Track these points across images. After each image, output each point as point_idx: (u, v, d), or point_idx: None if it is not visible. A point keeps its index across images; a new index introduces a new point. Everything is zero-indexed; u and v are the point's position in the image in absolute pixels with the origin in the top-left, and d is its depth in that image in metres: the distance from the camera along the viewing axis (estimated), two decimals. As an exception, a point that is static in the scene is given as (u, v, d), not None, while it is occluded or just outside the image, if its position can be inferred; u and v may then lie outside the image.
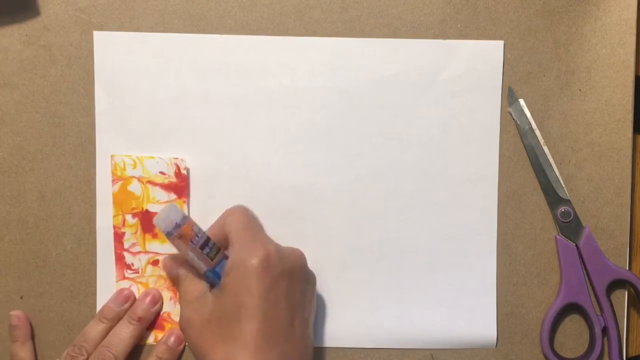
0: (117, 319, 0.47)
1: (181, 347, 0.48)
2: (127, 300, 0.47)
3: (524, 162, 0.48)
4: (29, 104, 0.48)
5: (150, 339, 0.48)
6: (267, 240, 0.43)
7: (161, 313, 0.48)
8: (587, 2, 0.48)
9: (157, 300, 0.48)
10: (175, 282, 0.47)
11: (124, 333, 0.46)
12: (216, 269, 0.43)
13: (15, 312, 0.48)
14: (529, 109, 0.48)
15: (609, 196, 0.48)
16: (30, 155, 0.48)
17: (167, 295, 0.48)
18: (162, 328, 0.48)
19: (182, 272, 0.45)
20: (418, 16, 0.48)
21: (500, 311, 0.48)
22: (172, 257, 0.47)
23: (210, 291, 0.43)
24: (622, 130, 0.48)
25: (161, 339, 0.48)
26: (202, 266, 0.43)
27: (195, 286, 0.44)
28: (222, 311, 0.41)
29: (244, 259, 0.41)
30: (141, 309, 0.47)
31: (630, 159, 0.48)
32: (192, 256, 0.43)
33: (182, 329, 0.43)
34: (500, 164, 0.48)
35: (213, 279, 0.43)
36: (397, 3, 0.48)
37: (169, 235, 0.42)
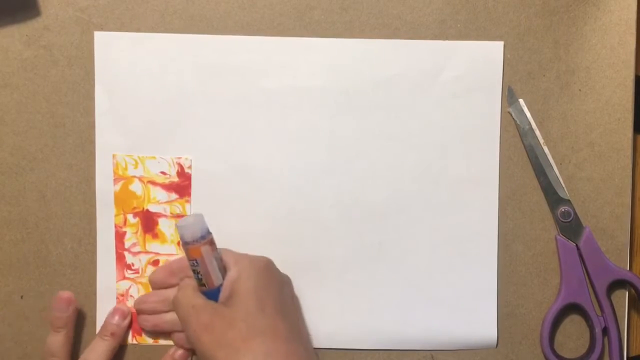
0: (70, 324, 0.46)
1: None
2: (69, 303, 0.46)
3: (524, 162, 0.48)
4: (30, 104, 0.48)
5: (150, 341, 0.48)
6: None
7: None
8: (587, 2, 0.48)
9: (127, 314, 0.48)
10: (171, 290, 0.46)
11: (100, 347, 0.46)
12: (219, 289, 0.42)
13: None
14: (529, 109, 0.48)
15: (609, 196, 0.48)
16: (31, 155, 0.48)
17: None
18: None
19: (190, 281, 0.44)
20: (418, 16, 0.48)
21: (501, 311, 0.48)
22: (174, 266, 0.46)
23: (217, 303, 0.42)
24: (622, 130, 0.48)
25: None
26: (216, 279, 0.42)
27: (201, 297, 0.42)
28: (235, 315, 0.40)
29: (251, 266, 0.42)
30: (111, 325, 0.47)
31: (630, 159, 0.48)
32: (209, 268, 0.42)
33: (196, 336, 0.40)
34: (500, 164, 0.48)
35: (211, 297, 0.42)
36: (397, 3, 0.48)
37: (192, 243, 0.41)
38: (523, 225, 0.48)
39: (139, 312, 0.47)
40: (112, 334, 0.47)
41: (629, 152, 0.48)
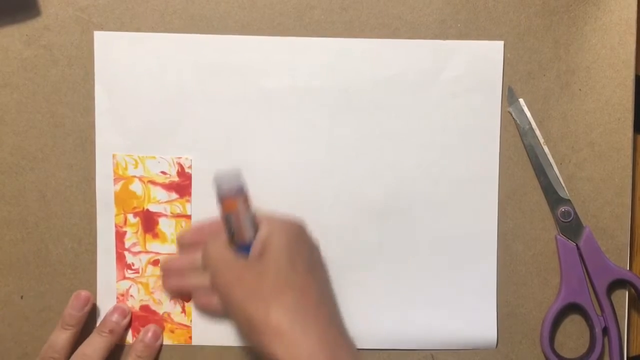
0: (80, 324, 0.47)
1: (158, 343, 0.48)
2: (86, 302, 0.47)
3: (524, 162, 0.48)
4: (30, 103, 0.48)
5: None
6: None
7: (161, 313, 0.48)
8: (587, 2, 0.48)
9: (126, 313, 0.48)
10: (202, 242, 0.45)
11: (97, 343, 0.46)
12: (250, 245, 0.41)
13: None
14: (529, 109, 0.48)
15: (609, 196, 0.48)
16: (31, 155, 0.48)
17: (167, 295, 0.49)
18: (162, 328, 0.48)
19: (221, 236, 0.43)
20: (418, 16, 0.48)
21: (501, 311, 0.48)
22: (205, 227, 0.46)
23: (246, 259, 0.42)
24: (622, 130, 0.48)
25: (138, 336, 0.48)
26: (248, 235, 0.41)
27: (232, 251, 0.42)
28: (266, 269, 0.40)
29: (283, 225, 0.42)
30: (110, 322, 0.47)
31: (630, 159, 0.48)
32: (243, 223, 0.41)
33: (227, 289, 0.40)
34: (500, 164, 0.48)
35: (242, 253, 0.41)
36: (397, 3, 0.48)
37: (229, 196, 0.41)
38: (523, 225, 0.48)
39: (165, 271, 0.47)
40: (111, 331, 0.47)
41: (629, 151, 0.48)
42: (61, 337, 0.46)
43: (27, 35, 0.48)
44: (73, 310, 0.47)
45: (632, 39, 0.48)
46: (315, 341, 0.38)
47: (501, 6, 0.48)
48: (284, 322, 0.38)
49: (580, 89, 0.48)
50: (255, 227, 0.42)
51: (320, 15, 0.48)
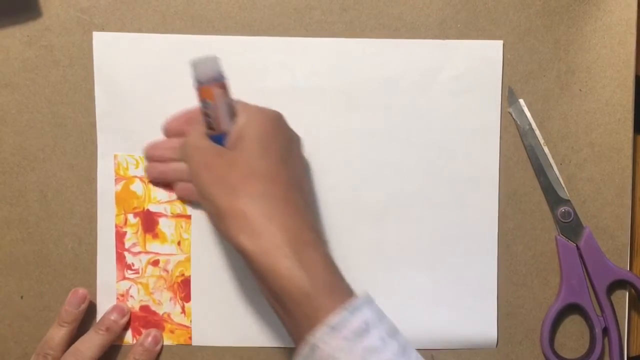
0: (77, 321, 0.47)
1: (158, 347, 0.48)
2: (83, 300, 0.47)
3: (524, 162, 0.48)
4: (31, 104, 0.48)
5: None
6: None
7: (161, 314, 0.48)
8: (587, 2, 0.48)
9: (125, 312, 0.48)
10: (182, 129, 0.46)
11: (92, 340, 0.46)
12: (226, 134, 0.41)
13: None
14: (529, 109, 0.48)
15: (609, 196, 0.48)
16: (32, 155, 0.48)
17: (167, 295, 0.49)
18: (162, 329, 0.49)
19: (200, 127, 0.42)
20: (418, 16, 0.48)
21: (501, 311, 0.48)
22: (190, 114, 0.46)
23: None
24: (622, 130, 0.48)
25: (138, 340, 0.48)
26: (225, 124, 0.41)
27: (208, 140, 0.41)
28: (237, 157, 0.40)
29: (260, 114, 0.41)
30: (108, 320, 0.47)
31: (630, 159, 0.48)
32: (219, 112, 0.41)
33: (197, 173, 0.40)
34: (500, 164, 0.48)
35: (218, 142, 0.41)
36: (397, 3, 0.48)
37: (205, 83, 0.41)
38: (523, 225, 0.48)
39: (148, 157, 0.47)
40: (108, 329, 0.47)
41: (629, 152, 0.48)
42: (58, 334, 0.46)
43: (28, 35, 0.48)
44: (70, 307, 0.47)
45: (632, 39, 0.48)
46: (278, 230, 0.37)
47: (501, 6, 0.48)
48: (249, 210, 0.37)
49: (580, 89, 0.48)
50: (233, 116, 0.41)
51: (320, 16, 0.48)
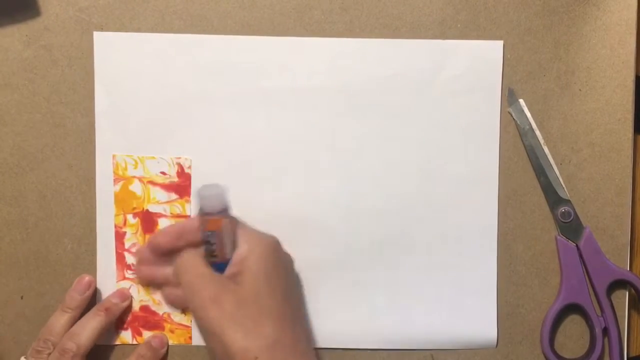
0: (80, 308, 0.47)
1: (163, 350, 0.48)
2: (89, 287, 0.47)
3: (524, 162, 0.48)
4: (30, 104, 0.48)
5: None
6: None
7: (161, 314, 0.48)
8: (587, 2, 0.48)
9: (126, 296, 0.48)
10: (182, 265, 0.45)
11: (90, 323, 0.46)
12: (228, 262, 0.41)
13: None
14: (529, 109, 0.48)
15: (609, 196, 0.48)
16: (31, 155, 0.48)
17: None
18: (162, 329, 0.48)
19: (196, 252, 0.43)
20: (418, 16, 0.48)
21: (501, 311, 0.48)
22: (185, 229, 0.45)
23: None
24: (622, 130, 0.48)
25: (145, 339, 0.48)
26: (229, 253, 0.41)
27: (209, 267, 0.42)
28: (245, 295, 0.40)
29: (261, 245, 0.42)
30: (108, 301, 0.47)
31: (630, 159, 0.48)
32: (224, 242, 0.41)
33: (204, 308, 0.40)
34: (501, 164, 0.48)
35: (218, 269, 0.41)
36: (397, 3, 0.48)
37: (213, 215, 0.41)
38: (523, 225, 0.48)
39: (138, 261, 0.46)
40: (107, 309, 0.47)
41: (629, 152, 0.48)
42: (60, 320, 0.46)
43: (27, 35, 0.48)
44: (75, 293, 0.47)
45: (632, 39, 0.48)
46: None
47: (501, 6, 0.48)
48: (262, 355, 0.38)
49: (580, 89, 0.48)
50: (234, 244, 0.42)
51: (320, 15, 0.48)
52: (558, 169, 0.48)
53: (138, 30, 0.48)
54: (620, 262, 0.48)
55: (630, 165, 0.48)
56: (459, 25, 0.48)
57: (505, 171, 0.48)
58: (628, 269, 0.48)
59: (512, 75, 0.48)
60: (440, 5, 0.48)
